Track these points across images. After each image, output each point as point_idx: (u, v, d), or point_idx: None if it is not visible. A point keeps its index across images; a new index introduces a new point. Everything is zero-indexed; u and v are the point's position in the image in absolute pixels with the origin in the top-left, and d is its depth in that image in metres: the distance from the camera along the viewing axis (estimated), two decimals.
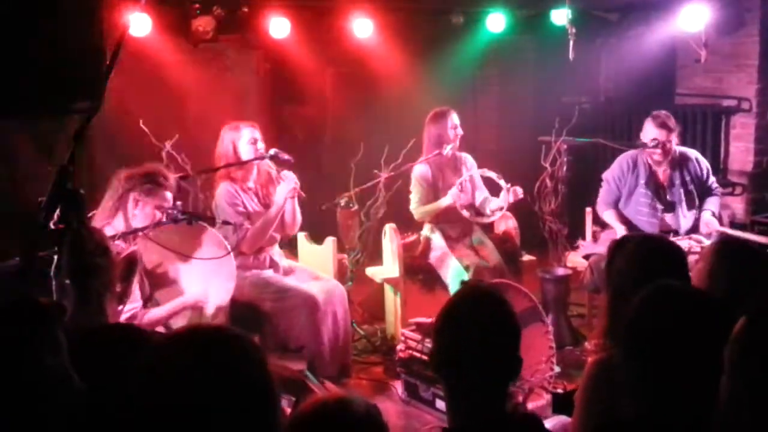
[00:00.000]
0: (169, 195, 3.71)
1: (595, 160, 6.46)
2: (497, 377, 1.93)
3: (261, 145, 4.45)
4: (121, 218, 3.61)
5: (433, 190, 5.08)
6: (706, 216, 4.96)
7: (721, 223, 5.28)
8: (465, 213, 5.07)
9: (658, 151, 4.91)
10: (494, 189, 5.16)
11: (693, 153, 5.19)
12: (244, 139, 4.40)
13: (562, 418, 2.96)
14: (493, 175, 5.06)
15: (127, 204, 3.61)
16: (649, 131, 4.95)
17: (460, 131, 5.06)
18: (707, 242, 4.66)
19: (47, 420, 1.56)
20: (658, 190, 5.01)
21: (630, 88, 7.15)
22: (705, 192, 5.10)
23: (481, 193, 5.21)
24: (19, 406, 1.54)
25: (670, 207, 4.99)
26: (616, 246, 2.67)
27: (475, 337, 1.90)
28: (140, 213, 3.62)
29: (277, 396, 1.49)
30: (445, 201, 5.02)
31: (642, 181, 5.00)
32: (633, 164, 5.06)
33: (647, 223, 4.96)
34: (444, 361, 1.95)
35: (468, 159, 5.24)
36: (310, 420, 1.59)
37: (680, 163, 5.05)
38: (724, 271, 2.68)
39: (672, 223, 4.98)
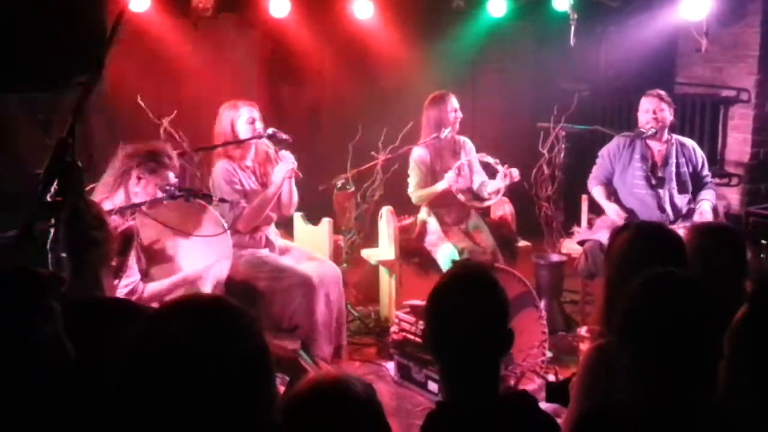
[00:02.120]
0: (171, 175, 3.71)
1: (593, 147, 6.43)
2: (488, 353, 1.95)
3: (259, 125, 4.44)
4: (122, 194, 3.61)
5: (432, 174, 5.08)
6: (705, 206, 4.95)
7: (717, 214, 5.30)
8: (461, 197, 5.07)
9: (645, 135, 4.92)
10: (492, 173, 5.16)
11: (690, 142, 5.22)
12: (242, 119, 4.39)
13: (554, 407, 2.97)
14: (490, 159, 5.06)
15: (129, 180, 3.61)
16: (643, 104, 5.00)
17: (459, 114, 5.06)
18: None
19: (39, 388, 1.56)
20: (652, 165, 5.04)
21: (630, 75, 7.13)
22: (699, 182, 5.10)
23: (479, 177, 5.21)
24: (11, 373, 1.54)
25: (661, 183, 5.01)
26: (616, 233, 2.69)
27: (464, 314, 1.93)
28: (141, 190, 3.62)
29: (273, 370, 1.48)
30: (441, 185, 5.01)
31: (637, 156, 5.02)
32: (630, 141, 5.09)
33: (647, 196, 4.97)
34: (436, 339, 1.97)
35: (467, 143, 5.23)
36: (307, 399, 1.59)
37: (677, 146, 5.07)
38: (700, 250, 2.73)
39: (662, 201, 4.99)
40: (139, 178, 3.62)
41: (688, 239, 2.84)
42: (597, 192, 5.13)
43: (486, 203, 5.18)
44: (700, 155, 5.15)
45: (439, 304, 1.99)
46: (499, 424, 1.92)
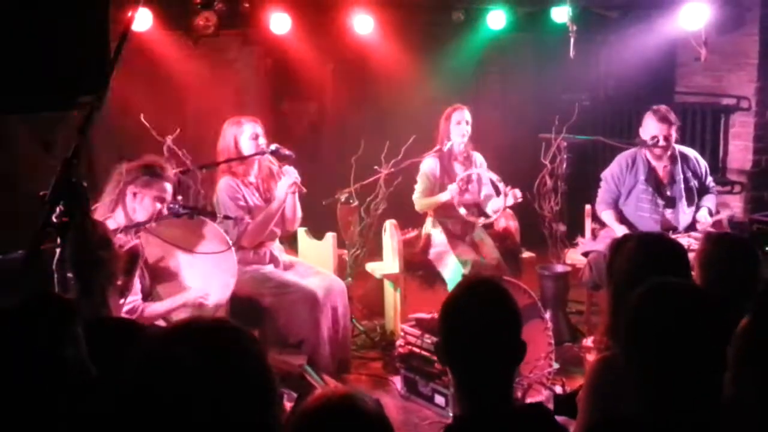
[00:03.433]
0: (167, 186, 3.69)
1: (595, 157, 6.48)
2: (502, 364, 1.98)
3: (262, 141, 4.46)
4: (121, 212, 3.61)
5: (439, 185, 5.12)
6: (701, 213, 4.95)
7: (722, 225, 5.31)
8: (462, 211, 5.07)
9: (649, 144, 4.92)
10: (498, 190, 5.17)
11: (692, 152, 5.20)
12: (245, 135, 4.41)
13: (562, 419, 2.96)
14: (494, 177, 5.07)
15: (126, 198, 3.61)
16: (650, 126, 4.96)
17: (465, 128, 5.09)
18: None
19: (65, 409, 1.58)
20: (658, 186, 5.02)
21: (630, 85, 7.15)
22: (703, 190, 5.11)
23: (487, 191, 5.22)
24: (39, 394, 1.57)
25: (671, 203, 5.00)
26: (617, 244, 2.68)
27: (478, 325, 1.95)
28: (139, 206, 3.61)
29: (276, 390, 1.49)
30: (443, 196, 5.05)
31: (642, 178, 5.01)
32: (632, 162, 5.07)
33: (650, 219, 4.96)
34: (450, 351, 1.98)
35: (478, 158, 5.27)
36: (316, 416, 1.58)
37: (680, 160, 5.05)
38: (713, 260, 2.72)
39: (672, 219, 4.99)
40: (134, 194, 3.60)
41: (701, 249, 2.84)
42: (607, 216, 5.08)
43: (486, 221, 5.15)
44: (703, 165, 5.14)
45: (452, 318, 2.01)
46: None
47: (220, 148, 4.48)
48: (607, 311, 2.60)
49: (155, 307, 3.61)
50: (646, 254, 2.55)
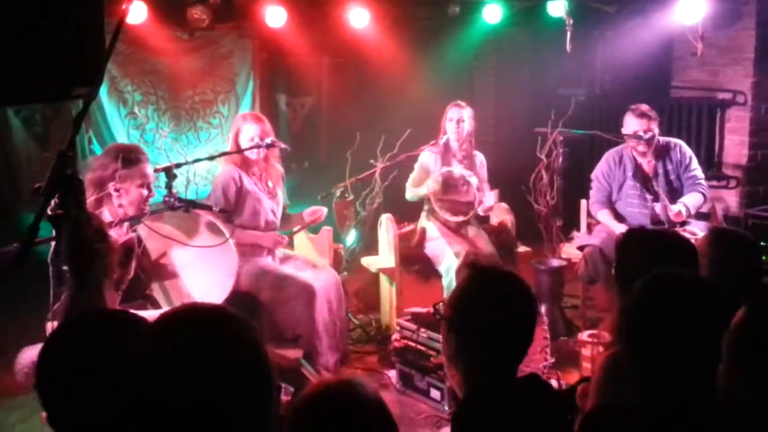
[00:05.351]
0: (147, 168, 3.58)
1: (591, 152, 6.47)
2: (520, 352, 2.03)
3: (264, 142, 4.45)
4: (107, 213, 3.50)
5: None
6: (675, 208, 4.83)
7: (716, 217, 5.29)
8: (441, 211, 5.04)
9: (644, 139, 4.90)
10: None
11: (675, 142, 5.15)
12: (253, 134, 4.40)
13: None
14: (474, 180, 5.03)
15: (110, 198, 3.52)
16: (630, 123, 4.95)
17: (460, 125, 5.07)
18: (701, 234, 4.64)
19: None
20: (644, 181, 5.01)
21: (626, 80, 7.15)
22: (687, 181, 5.02)
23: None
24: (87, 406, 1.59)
25: (658, 197, 4.98)
26: (625, 240, 2.67)
27: (511, 317, 1.98)
28: (126, 200, 3.53)
29: (272, 378, 1.48)
30: (421, 190, 5.04)
31: (629, 174, 5.00)
32: (619, 159, 5.07)
33: (639, 214, 4.95)
34: (472, 346, 1.98)
35: (479, 158, 5.26)
36: (316, 401, 1.58)
37: (663, 152, 5.04)
38: (715, 258, 2.71)
39: (660, 214, 4.97)
40: (118, 191, 3.51)
41: (702, 244, 2.83)
42: (603, 216, 5.03)
43: (459, 219, 5.09)
44: (686, 153, 5.06)
45: (472, 309, 2.00)
46: (524, 406, 1.96)
47: (228, 136, 4.54)
48: (615, 308, 2.59)
49: None
50: (653, 250, 2.53)
